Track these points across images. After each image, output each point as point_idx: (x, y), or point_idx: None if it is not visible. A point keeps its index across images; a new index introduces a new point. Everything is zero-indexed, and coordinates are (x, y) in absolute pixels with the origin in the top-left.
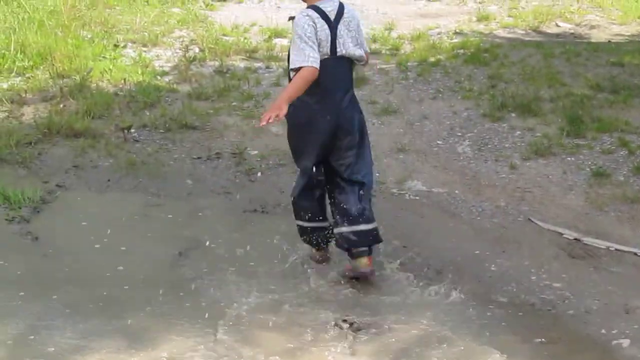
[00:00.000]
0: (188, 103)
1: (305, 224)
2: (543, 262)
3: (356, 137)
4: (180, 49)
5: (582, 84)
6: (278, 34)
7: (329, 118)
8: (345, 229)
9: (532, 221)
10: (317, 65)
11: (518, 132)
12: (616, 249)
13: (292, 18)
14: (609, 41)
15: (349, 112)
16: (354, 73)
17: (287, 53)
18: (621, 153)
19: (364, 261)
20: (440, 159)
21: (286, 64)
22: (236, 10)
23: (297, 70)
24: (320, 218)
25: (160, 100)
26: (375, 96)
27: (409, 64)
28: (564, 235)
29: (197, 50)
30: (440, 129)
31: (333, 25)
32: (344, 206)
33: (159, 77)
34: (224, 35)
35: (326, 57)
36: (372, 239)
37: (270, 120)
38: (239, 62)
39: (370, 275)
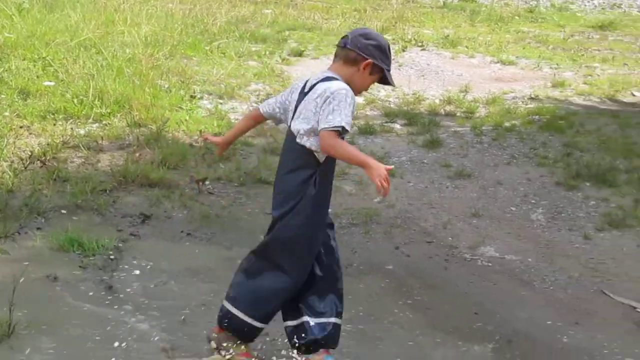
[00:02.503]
0: (263, 157)
1: None
2: (616, 336)
3: None
4: (256, 103)
5: None
6: None
7: None
8: None
9: (605, 293)
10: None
11: (592, 202)
12: None
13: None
14: None
15: None
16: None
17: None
18: None
19: None
20: (513, 226)
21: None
22: (312, 65)
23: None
24: None
25: (235, 154)
26: (449, 159)
27: (483, 128)
28: (637, 310)
29: None
30: (514, 195)
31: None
32: None
33: None
34: None
35: None
36: None
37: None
38: None
39: None
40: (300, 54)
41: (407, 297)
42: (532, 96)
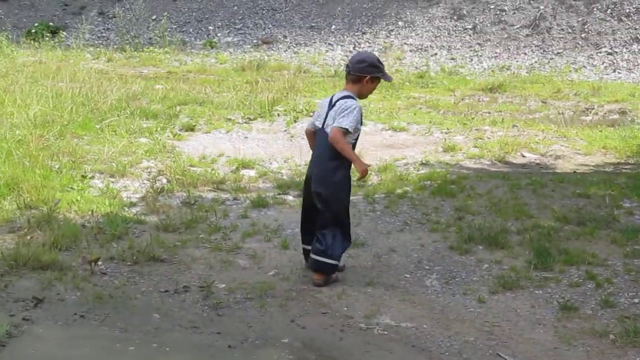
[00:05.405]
0: (156, 235)
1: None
2: None
3: None
4: (148, 180)
5: (548, 215)
6: (245, 164)
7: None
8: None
9: (501, 356)
10: None
11: (486, 265)
12: None
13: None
14: (575, 172)
15: None
16: None
17: None
18: (589, 286)
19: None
20: (408, 293)
21: None
22: (204, 140)
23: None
24: None
25: (128, 232)
26: None
27: (376, 195)
28: None
29: (164, 181)
30: (407, 262)
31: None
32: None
33: (126, 209)
34: (192, 166)
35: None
36: None
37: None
38: (206, 194)
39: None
40: (192, 129)
41: None
42: (424, 162)
